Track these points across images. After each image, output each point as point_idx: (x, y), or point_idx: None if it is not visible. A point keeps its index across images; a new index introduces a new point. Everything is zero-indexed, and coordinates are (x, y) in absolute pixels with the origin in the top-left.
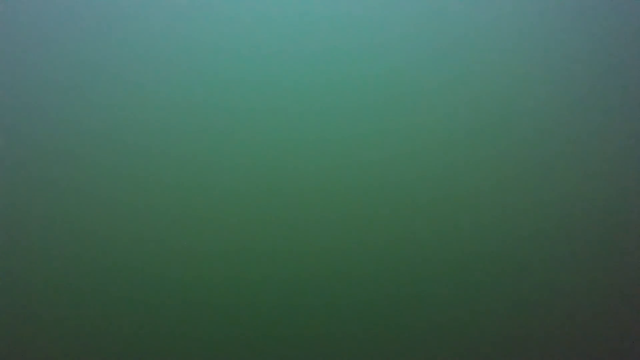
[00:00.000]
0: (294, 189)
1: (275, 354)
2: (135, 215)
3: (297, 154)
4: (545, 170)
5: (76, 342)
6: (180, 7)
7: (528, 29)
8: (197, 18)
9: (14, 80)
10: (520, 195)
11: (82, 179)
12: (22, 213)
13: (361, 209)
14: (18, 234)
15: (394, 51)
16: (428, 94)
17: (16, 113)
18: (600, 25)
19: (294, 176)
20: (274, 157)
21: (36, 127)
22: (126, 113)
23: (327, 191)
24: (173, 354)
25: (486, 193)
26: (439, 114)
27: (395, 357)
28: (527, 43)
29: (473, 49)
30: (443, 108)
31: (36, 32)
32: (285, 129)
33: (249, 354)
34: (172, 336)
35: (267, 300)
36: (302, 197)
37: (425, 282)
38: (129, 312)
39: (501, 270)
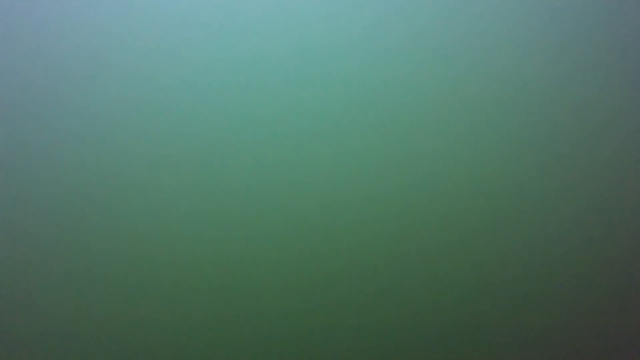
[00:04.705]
0: (293, 191)
1: (275, 356)
2: (136, 217)
3: (295, 155)
4: (547, 172)
5: (74, 345)
6: (181, 9)
7: (529, 29)
8: (200, 19)
9: (14, 80)
10: (524, 197)
11: (83, 180)
12: (21, 214)
13: (361, 212)
14: (17, 236)
15: (393, 52)
16: (428, 95)
17: (16, 113)
18: (601, 25)
19: (293, 177)
20: (274, 158)
21: (37, 127)
22: (126, 114)
23: (326, 192)
24: (173, 355)
25: (487, 194)
26: (438, 115)
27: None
28: (529, 43)
29: (473, 50)
30: (442, 109)
31: (36, 32)
32: (283, 130)
33: (249, 356)
34: (172, 341)
35: (268, 304)
36: (301, 199)
37: (427, 284)
38: (128, 316)
39: (502, 271)
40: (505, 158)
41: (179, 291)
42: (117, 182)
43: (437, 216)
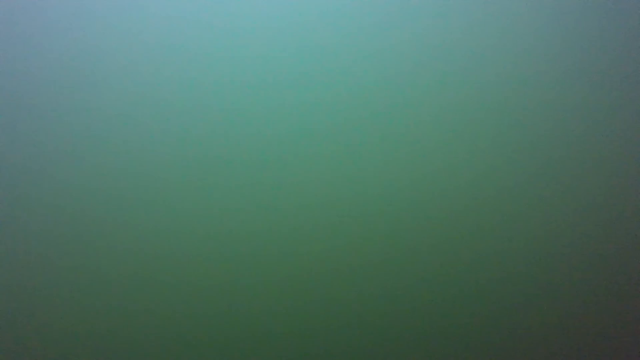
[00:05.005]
0: (294, 190)
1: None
2: (136, 217)
3: (295, 155)
4: (547, 172)
5: (73, 347)
6: (184, 8)
7: (529, 30)
8: (202, 19)
9: (13, 80)
10: (523, 197)
11: (83, 180)
12: (22, 215)
13: (362, 212)
14: (18, 236)
15: (394, 53)
16: (427, 94)
17: (16, 113)
18: (601, 25)
19: (294, 177)
20: (275, 159)
21: (36, 127)
22: (127, 114)
23: (327, 193)
24: (174, 355)
25: (487, 195)
26: (437, 115)
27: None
28: (529, 44)
29: (474, 51)
30: (443, 110)
31: (35, 31)
32: (282, 129)
33: (248, 355)
34: (173, 341)
35: (269, 303)
36: (302, 198)
37: (426, 286)
38: (129, 317)
39: (502, 271)
40: (505, 158)
41: (179, 291)
42: (118, 182)
43: (437, 216)
